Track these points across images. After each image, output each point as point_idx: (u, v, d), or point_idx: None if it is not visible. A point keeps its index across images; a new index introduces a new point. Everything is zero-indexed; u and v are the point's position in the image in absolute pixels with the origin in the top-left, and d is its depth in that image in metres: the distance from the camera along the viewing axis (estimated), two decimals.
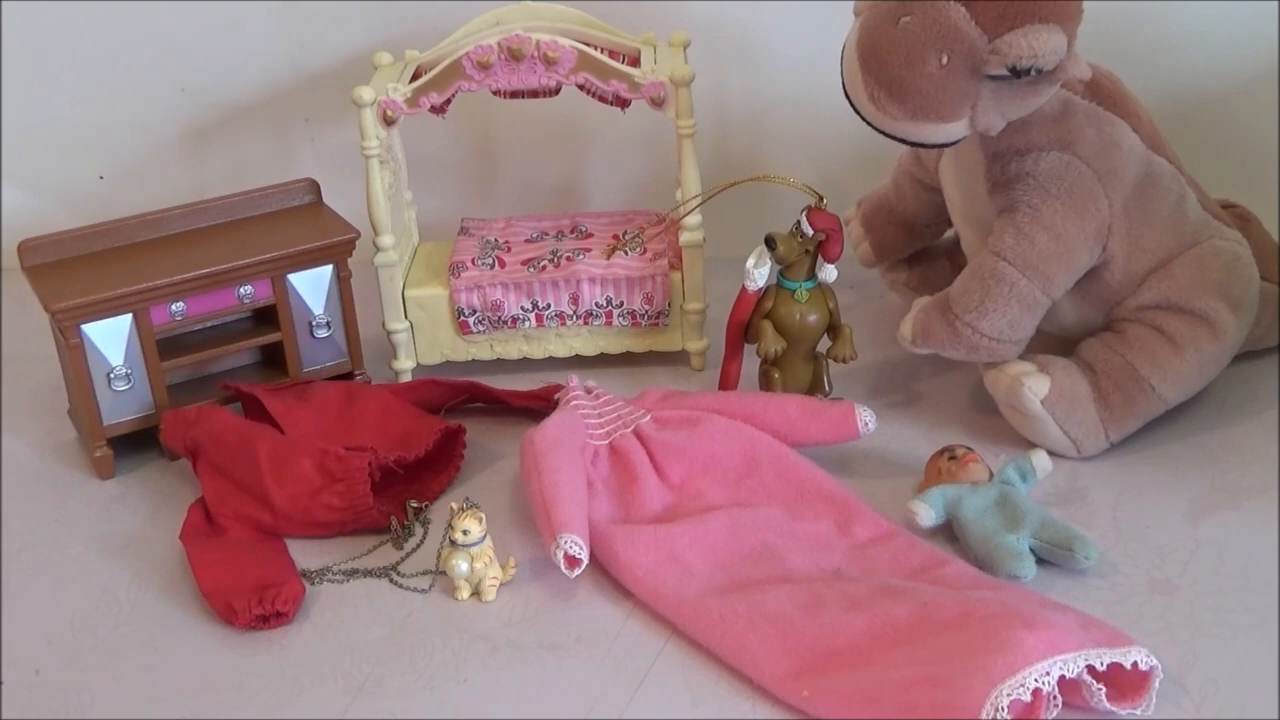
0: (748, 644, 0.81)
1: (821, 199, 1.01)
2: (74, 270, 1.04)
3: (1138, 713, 0.76)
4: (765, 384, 1.05)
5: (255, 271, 1.05)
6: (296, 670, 0.84)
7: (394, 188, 1.15)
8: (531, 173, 1.36)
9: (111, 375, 1.02)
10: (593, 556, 0.89)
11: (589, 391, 1.03)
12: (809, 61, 1.20)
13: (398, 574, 0.92)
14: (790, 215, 1.02)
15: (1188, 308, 1.00)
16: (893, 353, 1.10)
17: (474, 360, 1.15)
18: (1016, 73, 0.92)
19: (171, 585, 0.92)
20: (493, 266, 1.12)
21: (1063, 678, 0.73)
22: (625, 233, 1.15)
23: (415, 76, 1.11)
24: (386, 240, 1.10)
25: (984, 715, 0.71)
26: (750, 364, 1.06)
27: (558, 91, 1.11)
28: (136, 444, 1.05)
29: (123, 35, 1.33)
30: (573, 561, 0.87)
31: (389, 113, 1.08)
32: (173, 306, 1.03)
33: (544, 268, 1.12)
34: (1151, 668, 0.75)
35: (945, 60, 0.92)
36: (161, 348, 1.03)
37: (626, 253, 1.12)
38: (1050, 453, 0.95)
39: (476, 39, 1.08)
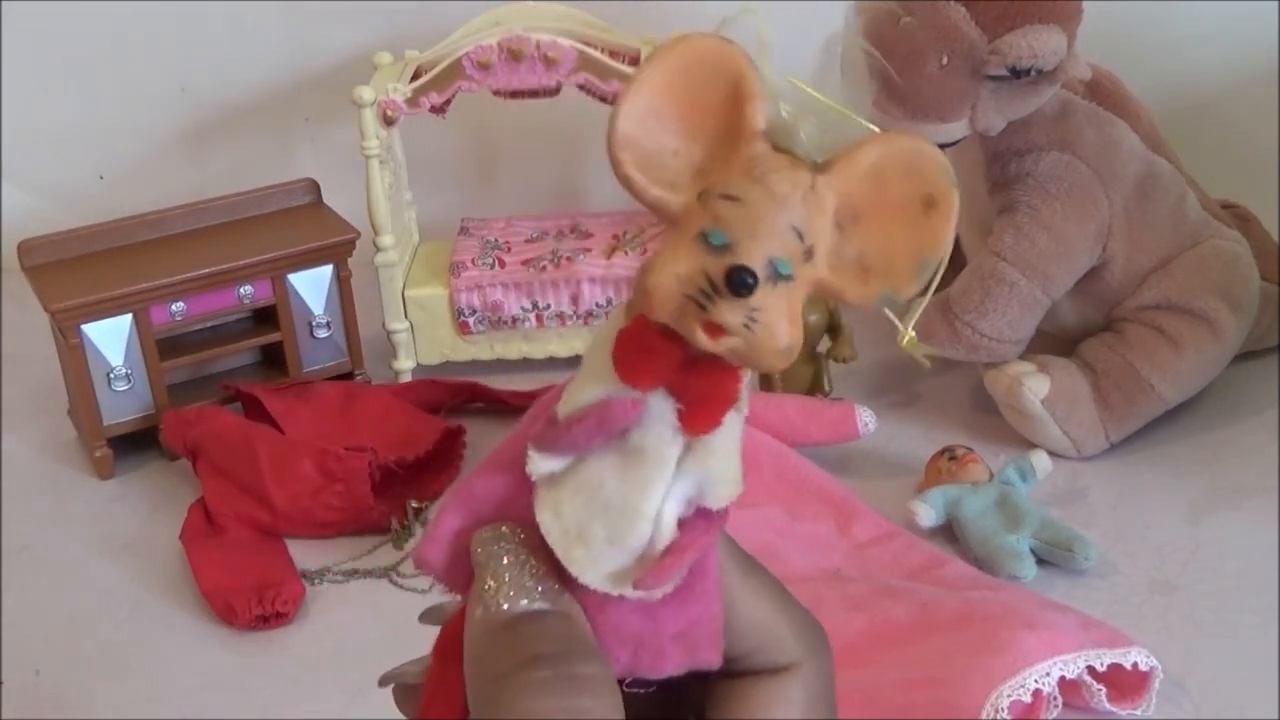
0: None
1: None
2: (74, 270, 1.04)
3: (1138, 713, 0.76)
4: (765, 384, 1.05)
5: (255, 271, 1.05)
6: (296, 670, 0.84)
7: (394, 188, 1.15)
8: (531, 173, 1.36)
9: (111, 375, 1.02)
10: None
11: None
12: (808, 61, 1.19)
13: (398, 574, 0.92)
14: None
15: (1188, 308, 1.00)
16: (893, 353, 1.10)
17: (474, 360, 1.15)
18: (1016, 73, 0.92)
19: (171, 585, 0.92)
20: (493, 266, 1.12)
21: (1062, 678, 0.73)
22: (625, 233, 1.15)
23: (415, 76, 1.11)
24: (386, 240, 1.10)
25: (984, 716, 0.71)
26: None
27: (558, 91, 1.11)
28: (136, 444, 1.05)
29: (123, 35, 1.33)
30: None
31: (389, 113, 1.08)
32: (173, 306, 1.03)
33: (544, 268, 1.12)
34: (1151, 668, 0.75)
35: (945, 61, 0.92)
36: (161, 348, 1.03)
37: (626, 253, 1.12)
38: (1050, 453, 0.95)
39: (476, 39, 1.08)
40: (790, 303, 0.28)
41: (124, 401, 1.03)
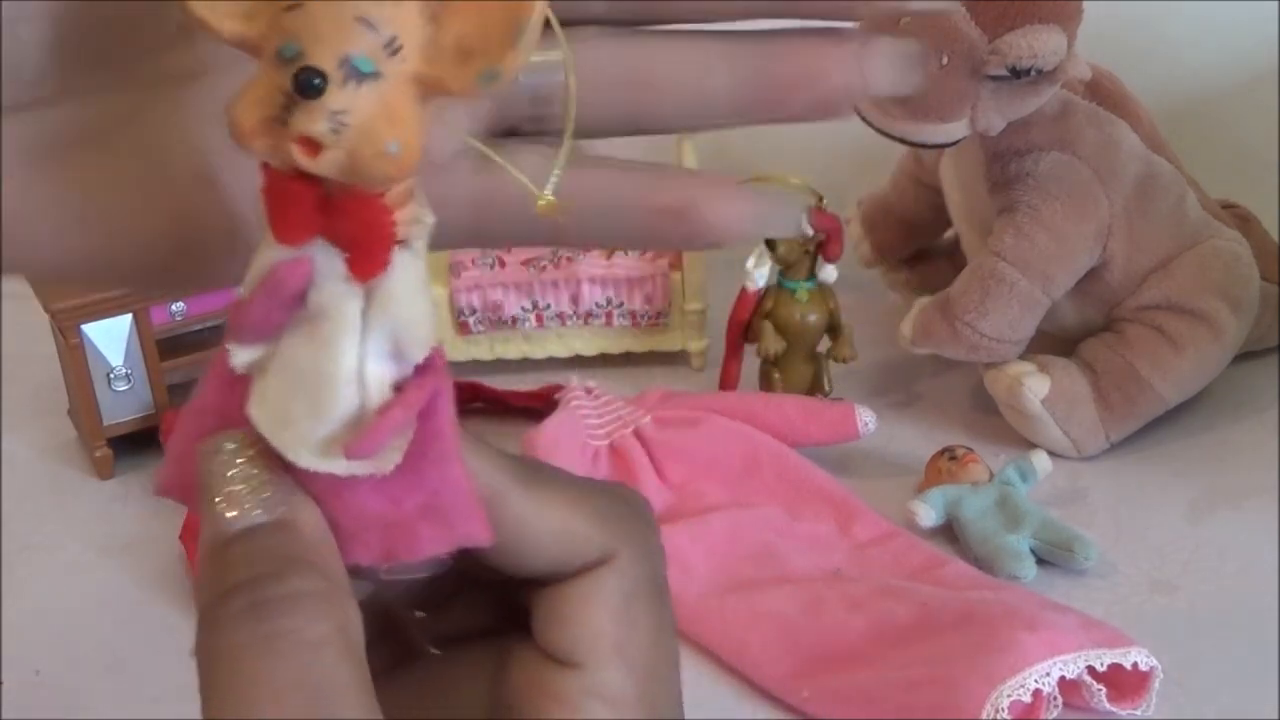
0: (748, 644, 0.81)
1: (821, 199, 1.01)
2: None
3: (1138, 713, 0.76)
4: (765, 384, 1.05)
5: None
6: None
7: None
8: None
9: (112, 375, 1.02)
10: None
11: (589, 392, 1.03)
12: None
13: None
14: None
15: (1188, 308, 1.00)
16: (893, 353, 1.10)
17: (474, 360, 1.15)
18: (1016, 73, 0.92)
19: (172, 585, 0.92)
20: (493, 266, 1.12)
21: (1063, 678, 0.73)
22: None
23: None
24: None
25: (984, 716, 0.71)
26: (750, 364, 1.06)
27: None
28: (136, 444, 1.05)
29: None
30: None
31: None
32: (173, 307, 1.03)
33: (544, 267, 1.12)
34: (1152, 668, 0.75)
35: (945, 61, 0.92)
36: (161, 348, 1.03)
37: (626, 252, 1.12)
38: (1050, 453, 0.95)
39: None
40: (388, 103, 0.26)
41: (124, 401, 1.03)
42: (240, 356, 0.29)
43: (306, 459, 0.28)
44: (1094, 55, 0.98)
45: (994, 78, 0.93)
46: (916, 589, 0.83)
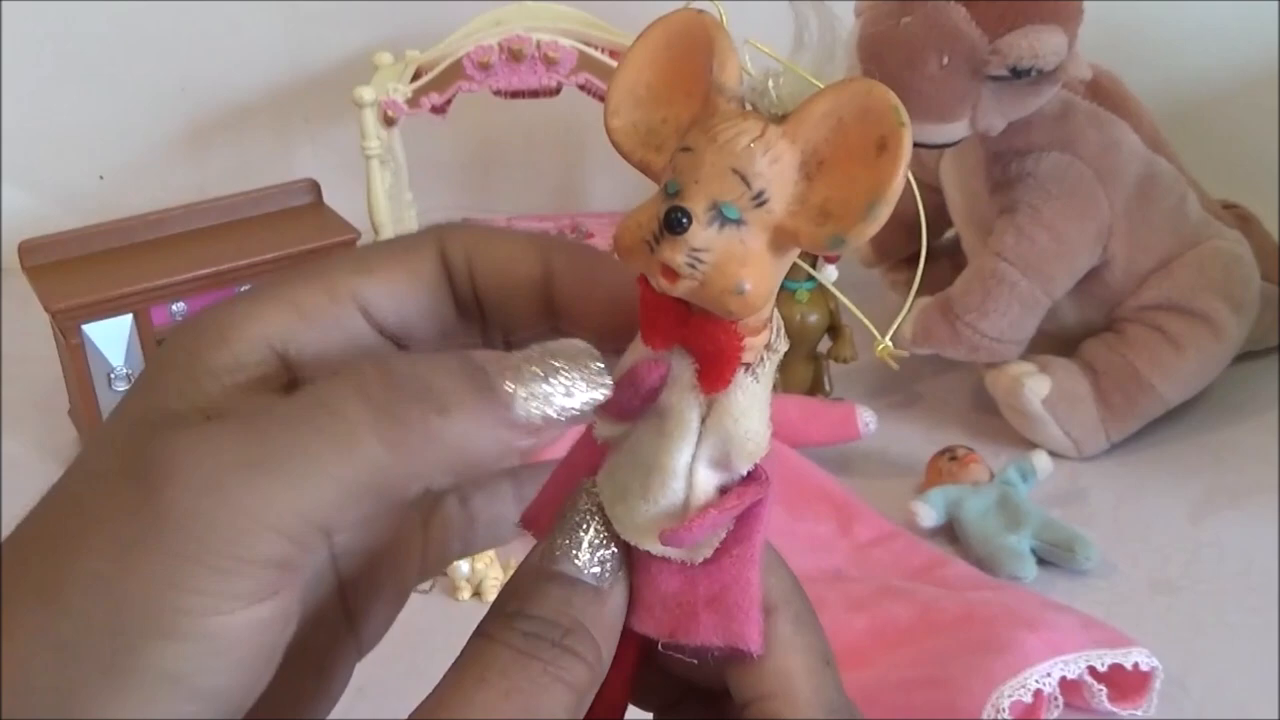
0: None
1: None
2: (74, 270, 1.03)
3: (1139, 713, 0.76)
4: None
5: (255, 271, 1.05)
6: None
7: (394, 188, 1.15)
8: (531, 173, 1.36)
9: (112, 375, 1.02)
10: None
11: None
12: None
13: None
14: None
15: (1189, 308, 1.00)
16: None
17: None
18: (1017, 73, 0.92)
19: None
20: None
21: (1064, 678, 0.73)
22: None
23: (415, 76, 1.11)
24: None
25: (985, 716, 0.71)
26: None
27: (558, 91, 1.11)
28: None
29: (123, 35, 1.33)
30: None
31: (389, 113, 1.08)
32: (173, 307, 1.03)
33: None
34: (1152, 668, 0.75)
35: (945, 61, 0.92)
36: None
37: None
38: (1050, 453, 0.95)
39: (477, 39, 1.08)
40: (747, 248, 0.29)
41: None
42: (602, 430, 0.33)
43: (629, 533, 0.32)
44: (1094, 55, 0.98)
45: (995, 78, 0.93)
46: (917, 589, 0.83)
